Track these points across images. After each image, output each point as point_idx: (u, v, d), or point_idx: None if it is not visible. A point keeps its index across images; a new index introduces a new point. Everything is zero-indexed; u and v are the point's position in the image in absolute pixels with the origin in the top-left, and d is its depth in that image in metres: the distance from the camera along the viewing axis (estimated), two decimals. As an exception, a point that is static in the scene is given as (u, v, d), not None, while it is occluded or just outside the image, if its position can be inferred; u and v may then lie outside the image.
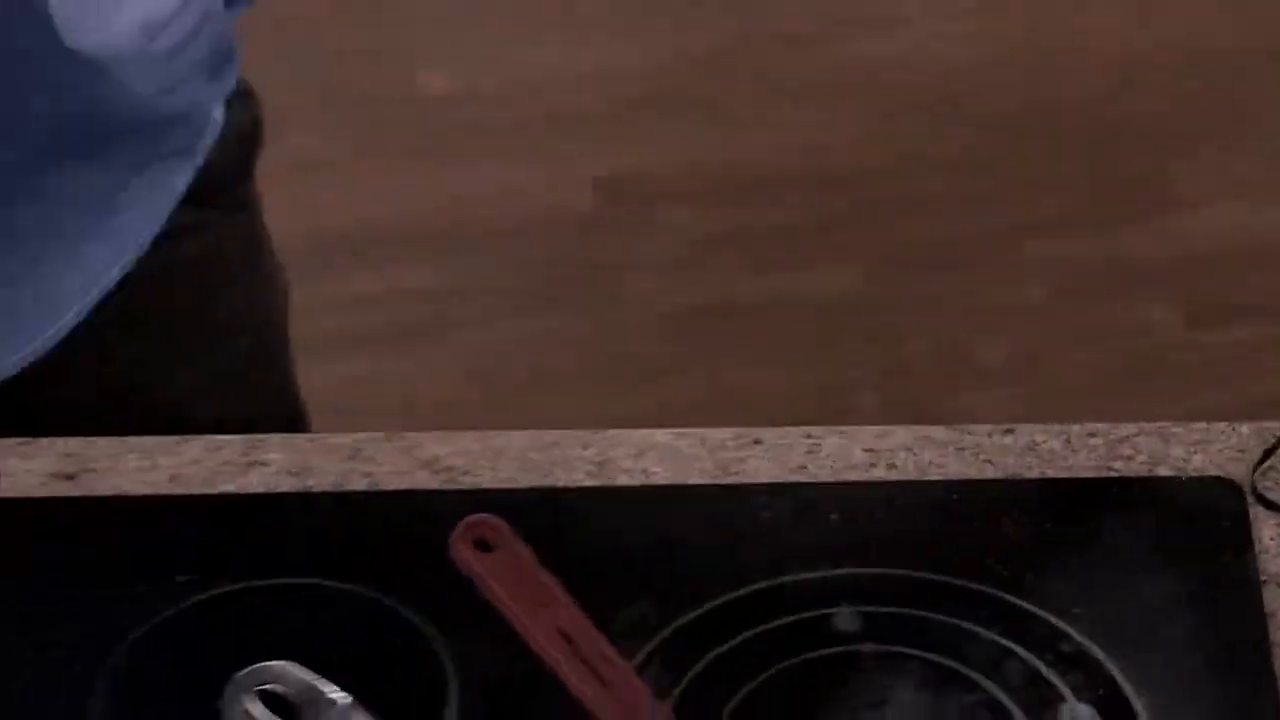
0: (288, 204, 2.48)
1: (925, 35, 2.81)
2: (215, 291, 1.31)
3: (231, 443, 1.10)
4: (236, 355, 1.31)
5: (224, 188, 1.28)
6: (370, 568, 1.03)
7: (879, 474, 1.08)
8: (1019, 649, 0.98)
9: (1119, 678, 0.96)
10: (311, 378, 2.26)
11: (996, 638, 0.98)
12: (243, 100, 1.27)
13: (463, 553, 0.98)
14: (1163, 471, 1.07)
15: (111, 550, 1.06)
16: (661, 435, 1.11)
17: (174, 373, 1.25)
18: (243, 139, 1.28)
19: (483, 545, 0.98)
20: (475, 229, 2.52)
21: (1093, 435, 1.09)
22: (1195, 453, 1.08)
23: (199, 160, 1.24)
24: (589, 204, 2.58)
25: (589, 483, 1.08)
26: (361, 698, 0.95)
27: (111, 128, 1.15)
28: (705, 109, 2.71)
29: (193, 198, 1.24)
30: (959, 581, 1.01)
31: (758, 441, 1.11)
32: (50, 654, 1.00)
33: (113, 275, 1.23)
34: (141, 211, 1.23)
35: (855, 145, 2.69)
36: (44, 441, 1.09)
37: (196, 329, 1.30)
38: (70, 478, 1.08)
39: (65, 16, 0.98)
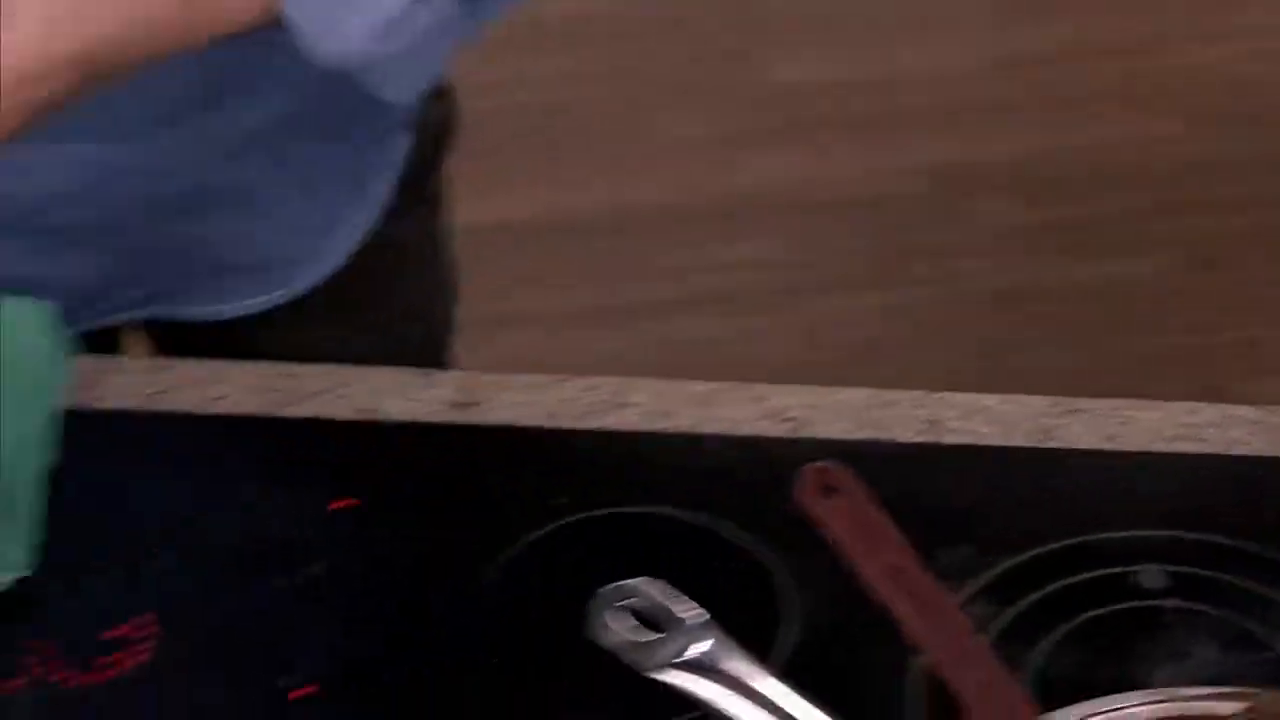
0: (662, 180, 2.53)
1: (1242, 50, 2.74)
2: (398, 278, 1.28)
3: (605, 384, 1.11)
4: (408, 343, 1.28)
5: (417, 180, 1.26)
6: (719, 502, 1.04)
7: (1187, 447, 1.06)
8: (1313, 615, 0.96)
9: (1407, 648, 0.94)
10: (674, 331, 2.31)
11: (1293, 603, 0.96)
12: (442, 97, 1.26)
13: (808, 495, 0.97)
14: None
15: (495, 473, 1.08)
16: (988, 399, 1.10)
17: (344, 350, 1.21)
18: (438, 134, 1.27)
19: (826, 489, 0.98)
20: (818, 208, 2.53)
21: (1392, 423, 1.06)
22: None
23: (413, 133, 1.23)
24: (921, 190, 2.57)
25: (921, 439, 1.08)
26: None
27: (354, 102, 1.11)
28: (1031, 109, 2.68)
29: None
30: (1257, 549, 0.99)
31: (1076, 410, 1.09)
32: (439, 564, 1.02)
33: (361, 238, 1.23)
34: (381, 180, 1.24)
35: (1168, 146, 2.63)
36: (444, 374, 1.13)
37: (375, 311, 1.28)
38: (464, 407, 1.10)
39: (301, 28, 0.95)
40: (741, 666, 0.92)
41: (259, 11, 0.94)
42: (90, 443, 1.06)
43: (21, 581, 0.99)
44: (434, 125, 1.25)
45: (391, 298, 1.28)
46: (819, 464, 0.99)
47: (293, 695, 0.96)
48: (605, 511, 1.04)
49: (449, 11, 0.98)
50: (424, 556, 1.02)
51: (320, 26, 0.95)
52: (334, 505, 1.04)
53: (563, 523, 1.03)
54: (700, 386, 1.11)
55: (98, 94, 0.94)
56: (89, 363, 1.11)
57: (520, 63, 2.35)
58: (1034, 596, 0.97)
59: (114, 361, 1.12)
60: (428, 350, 1.30)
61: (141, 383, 1.10)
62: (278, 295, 1.23)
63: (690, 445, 1.08)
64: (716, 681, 0.92)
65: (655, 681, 0.93)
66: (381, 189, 1.23)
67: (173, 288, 1.21)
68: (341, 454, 1.08)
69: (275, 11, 0.94)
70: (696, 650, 0.93)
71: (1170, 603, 0.97)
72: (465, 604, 1.00)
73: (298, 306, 1.23)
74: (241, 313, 1.22)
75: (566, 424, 1.09)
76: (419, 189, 1.26)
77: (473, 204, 2.03)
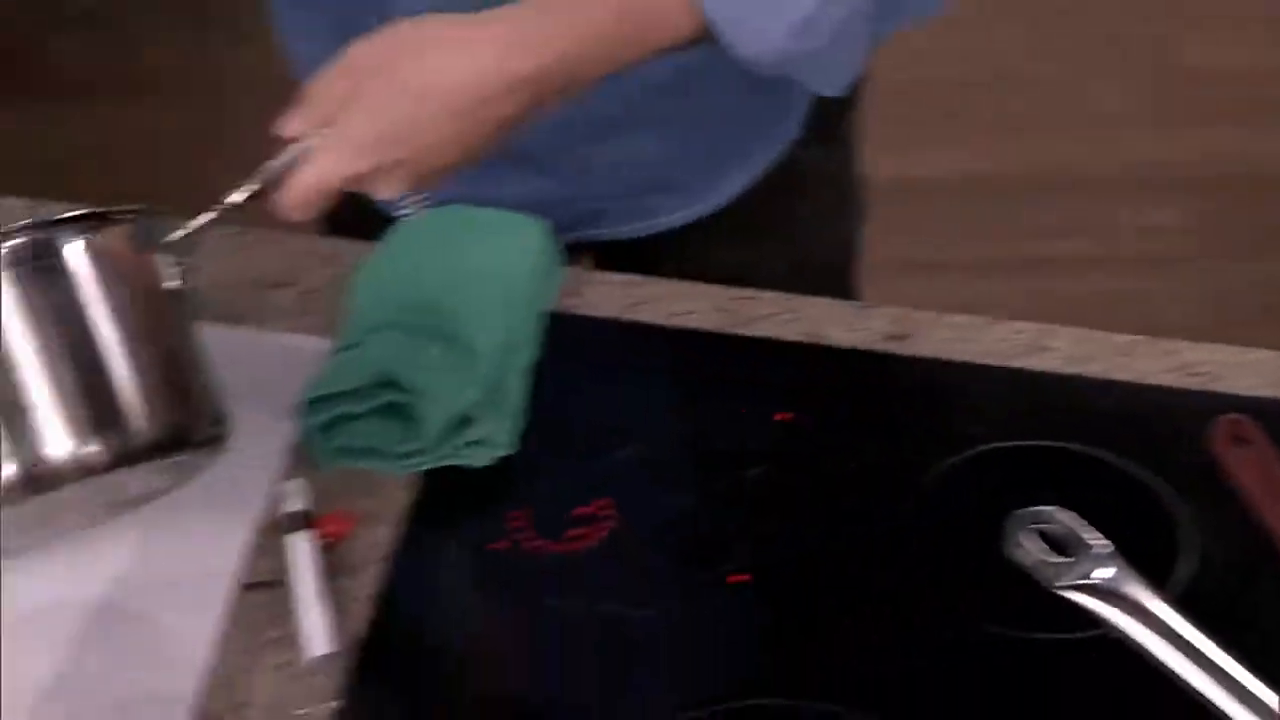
0: (1080, 148, 2.51)
1: None
2: (802, 206, 1.28)
3: (1028, 328, 1.12)
4: (810, 268, 1.28)
5: (826, 118, 1.26)
6: (1127, 444, 1.04)
7: None
8: None
9: None
10: (1086, 286, 2.30)
11: None
12: None
13: (1220, 443, 0.97)
14: None
15: (921, 401, 1.10)
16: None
17: (750, 270, 1.21)
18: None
19: (1237, 440, 0.97)
20: (1221, 181, 2.48)
21: None
22: None
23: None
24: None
25: (1321, 400, 1.07)
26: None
27: None
28: None
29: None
30: None
31: None
32: (866, 477, 1.05)
33: (769, 166, 1.24)
34: (789, 116, 1.24)
35: None
36: (881, 308, 1.14)
37: (781, 235, 1.27)
38: (899, 339, 1.12)
39: (723, 32, 0.96)
40: (1140, 594, 0.93)
41: (690, 25, 0.96)
42: (569, 344, 1.12)
43: (504, 460, 1.05)
44: None
45: (796, 224, 1.29)
46: (1233, 416, 0.98)
47: (730, 579, 1.00)
48: (1020, 443, 1.05)
49: (863, 8, 0.98)
50: (853, 469, 1.05)
51: (741, 29, 0.96)
52: (776, 417, 1.08)
53: (980, 450, 1.05)
54: (1120, 338, 1.11)
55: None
56: (574, 273, 1.17)
57: (952, 33, 2.35)
58: None
59: (595, 275, 1.17)
60: (828, 277, 1.31)
61: (618, 295, 1.15)
62: (691, 214, 1.25)
63: (1104, 390, 1.08)
64: (1116, 605, 0.93)
65: (1060, 598, 0.95)
66: (789, 123, 1.25)
67: (602, 207, 1.25)
68: (786, 372, 1.11)
69: (703, 22, 0.96)
70: (1100, 575, 0.94)
71: None
72: (887, 514, 1.03)
73: (707, 227, 1.26)
74: (661, 229, 1.26)
75: (990, 361, 1.10)
76: (828, 127, 1.27)
77: (898, 159, 2.05)
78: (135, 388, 0.89)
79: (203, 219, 0.93)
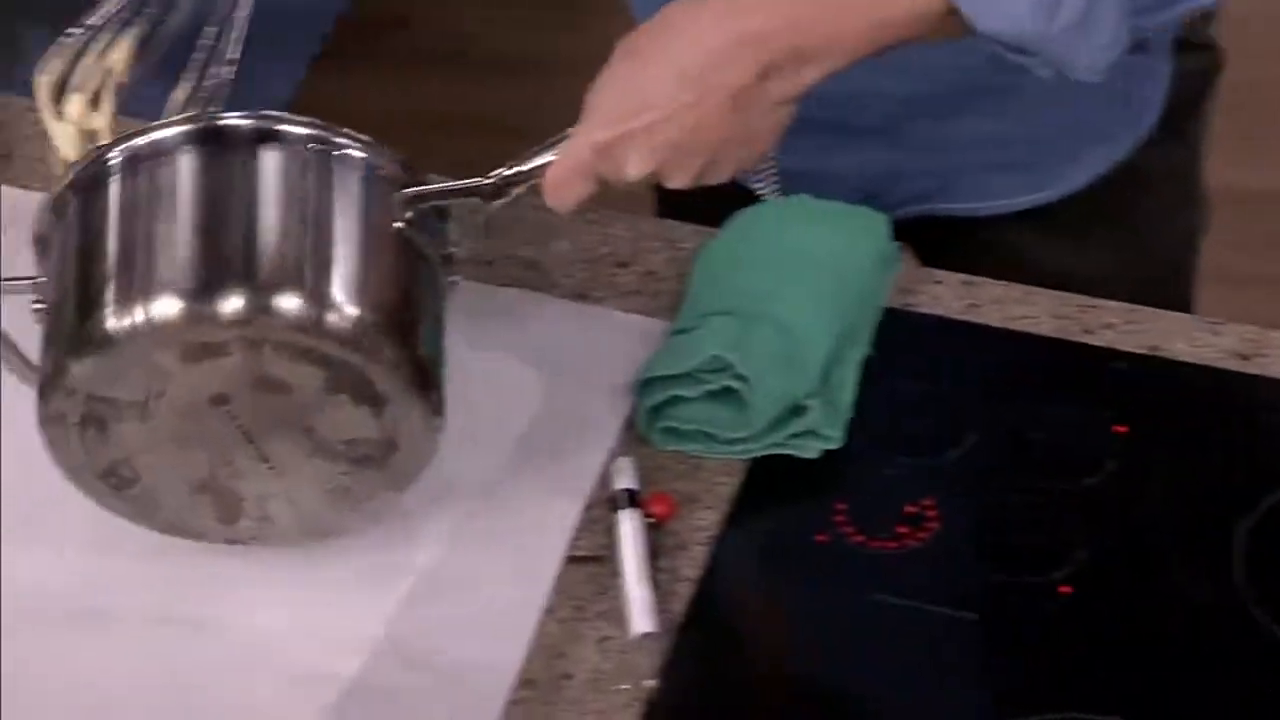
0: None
1: None
2: (1145, 206, 1.24)
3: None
4: (1143, 270, 1.23)
5: (1176, 119, 1.21)
6: None
7: None
8: None
9: None
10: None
11: None
12: (1201, 50, 1.21)
13: None
14: None
15: (1270, 423, 1.05)
16: None
17: (1081, 264, 1.18)
18: (1199, 80, 1.22)
19: None
20: None
21: None
22: None
23: (1173, 70, 1.19)
24: None
25: None
26: None
27: None
28: None
29: None
30: None
31: None
32: (1201, 498, 1.01)
33: (1120, 158, 1.21)
34: (1145, 107, 1.20)
35: None
36: (1229, 325, 1.09)
37: (1119, 233, 1.23)
38: (1246, 358, 1.08)
39: (966, 10, 0.94)
40: None
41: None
42: (902, 341, 1.09)
43: (830, 453, 1.03)
44: (1195, 73, 1.22)
45: (1137, 224, 1.25)
46: None
47: (1060, 589, 0.97)
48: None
49: None
50: (1189, 489, 1.01)
51: (982, 4, 0.94)
52: (1115, 429, 1.04)
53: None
54: None
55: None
56: (910, 271, 1.14)
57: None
58: None
59: (932, 272, 1.14)
60: (1166, 277, 1.27)
61: (956, 294, 1.12)
62: (1033, 199, 1.22)
63: None
64: None
65: None
66: (1145, 115, 1.21)
67: (942, 184, 1.22)
68: (1126, 384, 1.07)
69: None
70: None
71: None
72: (1223, 535, 0.98)
73: (1043, 215, 1.22)
74: (998, 212, 1.23)
75: (1348, 388, 1.05)
76: (1177, 128, 1.23)
77: (1241, 168, 1.98)
78: (360, 280, 0.92)
79: (440, 186, 0.95)
